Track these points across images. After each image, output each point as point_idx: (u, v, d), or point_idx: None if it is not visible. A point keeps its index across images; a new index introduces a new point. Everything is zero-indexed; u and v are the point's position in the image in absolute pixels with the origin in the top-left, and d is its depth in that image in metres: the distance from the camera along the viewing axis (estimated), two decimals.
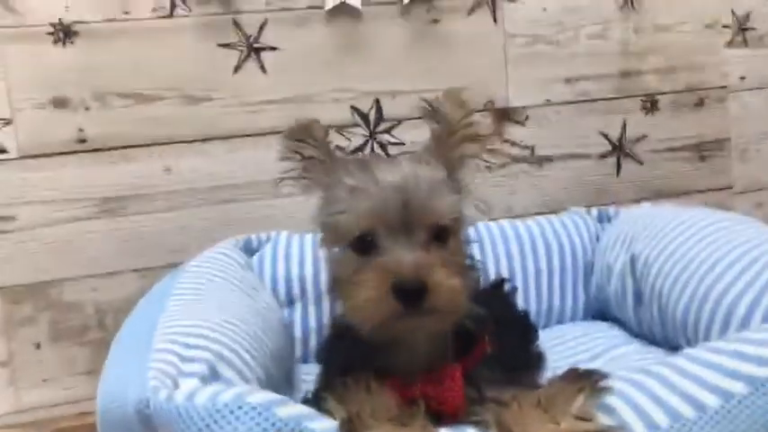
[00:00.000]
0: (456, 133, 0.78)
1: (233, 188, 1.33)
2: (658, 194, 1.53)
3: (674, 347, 1.02)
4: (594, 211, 1.37)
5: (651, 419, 0.68)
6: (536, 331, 1.10)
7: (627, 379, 0.73)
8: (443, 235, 0.73)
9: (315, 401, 0.70)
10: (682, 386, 0.71)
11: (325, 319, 1.20)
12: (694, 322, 0.95)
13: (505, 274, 1.24)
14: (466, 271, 0.77)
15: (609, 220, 1.35)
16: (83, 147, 1.26)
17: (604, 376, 0.72)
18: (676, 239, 1.05)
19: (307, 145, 0.77)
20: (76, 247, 1.28)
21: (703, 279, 0.95)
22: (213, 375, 0.72)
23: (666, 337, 1.05)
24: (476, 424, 0.69)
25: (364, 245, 0.72)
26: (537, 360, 0.99)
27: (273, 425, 0.60)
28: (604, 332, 1.18)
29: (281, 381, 0.91)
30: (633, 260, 1.12)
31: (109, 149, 1.27)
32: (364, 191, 0.72)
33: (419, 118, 0.82)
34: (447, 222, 0.72)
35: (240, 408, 0.60)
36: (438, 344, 0.76)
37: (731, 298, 0.90)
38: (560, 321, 1.28)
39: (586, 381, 0.70)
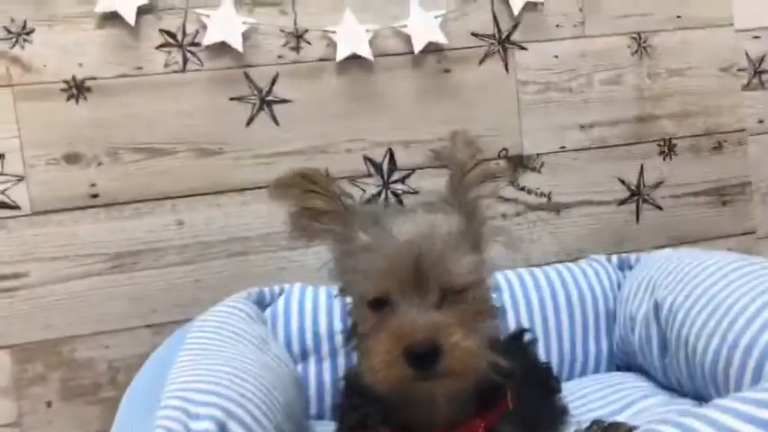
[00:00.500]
0: (468, 174, 0.77)
1: (246, 241, 1.31)
2: (680, 240, 1.49)
3: (702, 398, 0.98)
4: (615, 258, 1.34)
5: None
6: (558, 383, 1.06)
7: (653, 430, 0.69)
8: (461, 292, 0.70)
9: None
10: None
11: (341, 374, 1.17)
12: (724, 370, 0.91)
13: (525, 324, 1.21)
14: (486, 326, 0.73)
15: (630, 267, 1.31)
16: (95, 202, 1.26)
17: (631, 429, 0.68)
18: (701, 284, 1.01)
19: (313, 194, 0.76)
20: (88, 303, 1.26)
21: (732, 326, 0.91)
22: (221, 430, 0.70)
23: (695, 387, 1.00)
24: None
25: (379, 303, 0.70)
26: (560, 414, 0.95)
27: None
28: (630, 383, 1.13)
29: None
30: (657, 307, 1.08)
31: (121, 204, 1.27)
32: (378, 249, 0.70)
33: (433, 167, 0.81)
34: (464, 284, 0.70)
35: None
36: (460, 399, 0.73)
37: (763, 345, 0.86)
38: (583, 373, 1.24)
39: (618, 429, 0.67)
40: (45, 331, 1.25)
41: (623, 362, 1.23)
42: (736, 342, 0.90)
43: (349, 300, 0.78)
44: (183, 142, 1.29)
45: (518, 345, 1.04)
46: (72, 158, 1.25)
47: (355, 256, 0.72)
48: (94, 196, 1.26)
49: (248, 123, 1.31)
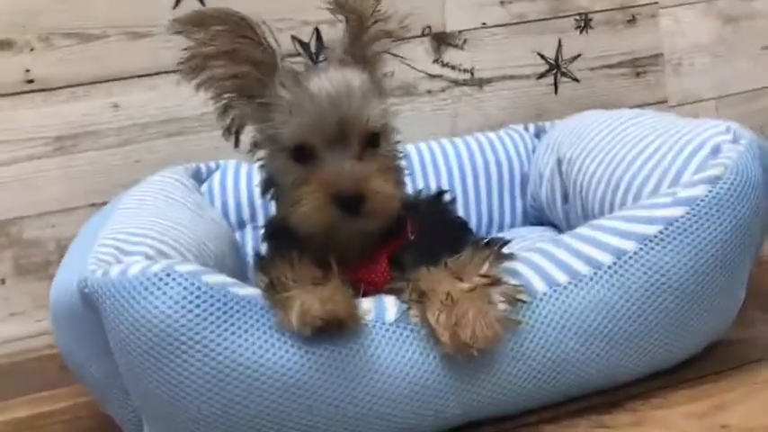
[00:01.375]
0: (368, 29, 0.82)
1: (181, 121, 1.37)
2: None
3: None
4: (532, 126, 1.43)
5: (551, 278, 0.76)
6: (471, 232, 1.16)
7: (531, 248, 0.80)
8: (375, 141, 0.78)
9: None
10: (579, 248, 0.78)
11: None
12: (609, 209, 1.02)
13: (447, 189, 1.31)
14: (398, 172, 0.83)
15: (545, 132, 1.41)
16: (31, 87, 1.30)
17: (506, 242, 0.78)
18: (595, 138, 1.11)
19: (246, 39, 0.79)
20: (33, 185, 1.32)
21: (615, 170, 1.01)
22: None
23: None
24: (392, 292, 0.76)
25: (303, 155, 0.77)
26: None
27: (200, 289, 0.66)
28: (537, 233, 1.25)
29: None
30: (559, 162, 1.19)
31: (57, 89, 1.31)
32: (300, 105, 0.76)
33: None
34: (378, 128, 0.78)
35: (169, 275, 0.66)
36: (368, 236, 0.82)
37: (640, 179, 0.96)
38: (500, 230, 1.35)
39: (491, 248, 0.77)
40: None
41: (536, 218, 1.35)
42: (617, 184, 1.00)
43: (262, 153, 0.85)
44: (113, 26, 1.32)
45: (437, 203, 1.14)
46: (4, 45, 1.28)
47: (275, 110, 0.79)
48: (30, 81, 1.30)
49: (176, 5, 1.34)
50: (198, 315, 0.65)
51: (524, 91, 1.56)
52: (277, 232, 0.87)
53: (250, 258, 1.24)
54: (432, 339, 0.70)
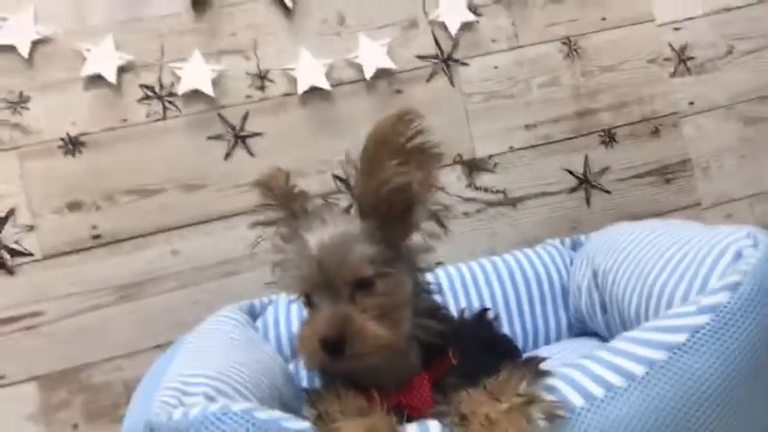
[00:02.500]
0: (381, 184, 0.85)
1: (235, 262, 1.47)
2: (629, 219, 1.63)
3: None
4: (568, 240, 1.49)
5: (588, 392, 0.78)
6: (517, 349, 1.20)
7: (567, 363, 0.84)
8: (367, 285, 0.83)
9: None
10: (613, 361, 0.81)
11: None
12: (645, 317, 1.05)
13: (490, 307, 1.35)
14: (401, 309, 0.86)
15: (581, 245, 1.46)
16: (97, 242, 1.42)
17: (543, 360, 0.82)
18: (626, 248, 1.16)
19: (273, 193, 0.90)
20: (100, 332, 1.42)
21: (647, 278, 1.05)
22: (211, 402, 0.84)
23: None
24: (437, 416, 0.80)
25: (308, 301, 0.86)
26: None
27: (255, 425, 0.71)
28: (582, 344, 1.28)
29: None
30: (595, 274, 1.23)
31: (121, 241, 1.43)
32: (296, 258, 0.85)
33: None
34: (368, 274, 0.83)
35: (225, 414, 0.72)
36: (405, 362, 0.87)
37: (670, 288, 0.99)
38: (547, 343, 1.38)
39: (528, 366, 0.81)
40: (64, 361, 1.40)
41: (580, 329, 1.38)
42: (650, 293, 1.04)
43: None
44: (170, 180, 1.45)
45: (481, 322, 1.17)
46: (74, 206, 1.42)
47: (285, 263, 0.88)
48: (96, 237, 1.42)
49: (226, 157, 1.48)
50: None
51: (557, 206, 1.62)
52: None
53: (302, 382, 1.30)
54: None
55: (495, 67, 1.60)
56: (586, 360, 0.84)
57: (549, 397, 0.77)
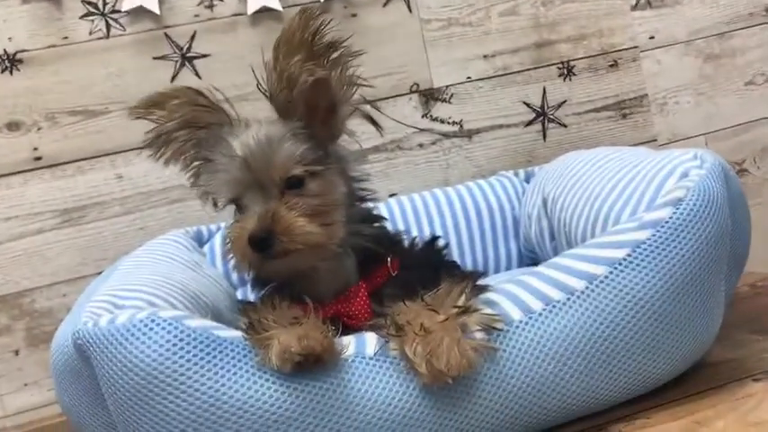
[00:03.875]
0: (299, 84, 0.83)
1: (183, 188, 1.42)
2: None
3: None
4: (522, 172, 1.48)
5: (526, 305, 0.78)
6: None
7: (509, 280, 0.83)
8: (297, 184, 0.82)
9: None
10: (553, 276, 0.81)
11: None
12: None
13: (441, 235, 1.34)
14: (332, 211, 0.84)
15: (534, 176, 1.45)
16: (39, 164, 1.37)
17: (482, 275, 0.81)
18: (576, 175, 1.15)
19: (201, 108, 0.87)
20: (43, 257, 1.38)
21: (594, 204, 1.04)
22: None
23: None
24: (374, 328, 0.79)
25: (238, 206, 0.85)
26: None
27: (183, 332, 0.69)
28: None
29: None
30: (544, 202, 1.22)
31: (63, 164, 1.38)
32: (221, 162, 0.83)
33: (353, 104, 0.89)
34: (296, 172, 0.82)
35: (153, 320, 0.70)
36: (340, 269, 0.85)
37: (616, 210, 0.98)
38: (496, 272, 1.38)
39: (468, 281, 0.80)
40: (5, 286, 1.36)
41: (530, 259, 1.37)
42: (597, 217, 1.03)
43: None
44: (114, 102, 1.40)
45: (430, 249, 1.15)
46: (13, 126, 1.36)
47: (208, 170, 0.86)
48: (38, 159, 1.37)
49: (173, 79, 1.42)
50: (182, 357, 0.68)
51: (513, 139, 1.61)
52: (262, 279, 0.90)
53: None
54: (410, 372, 0.72)
55: None
56: (526, 276, 0.83)
57: (487, 310, 0.77)
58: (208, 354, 0.69)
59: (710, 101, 1.71)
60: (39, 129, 1.37)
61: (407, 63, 1.54)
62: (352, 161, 0.89)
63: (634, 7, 1.66)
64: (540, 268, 0.84)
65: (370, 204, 0.92)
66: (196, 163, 0.89)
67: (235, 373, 0.70)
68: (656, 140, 1.68)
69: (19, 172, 1.37)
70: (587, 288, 0.78)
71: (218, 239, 1.33)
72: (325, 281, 0.84)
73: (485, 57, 1.58)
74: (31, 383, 1.38)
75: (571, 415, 0.79)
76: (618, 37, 1.65)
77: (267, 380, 0.70)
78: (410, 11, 1.54)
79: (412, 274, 0.88)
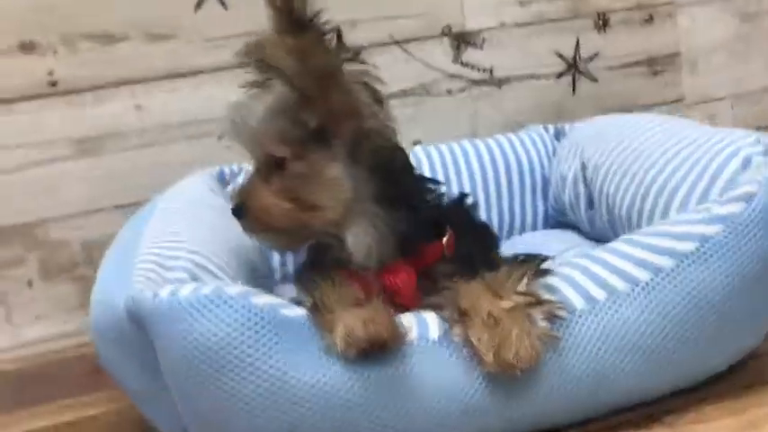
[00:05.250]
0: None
1: (203, 123, 1.37)
2: (613, 110, 1.59)
3: None
4: (551, 128, 1.44)
5: (589, 294, 0.77)
6: (497, 238, 1.17)
7: (568, 263, 0.81)
8: (280, 164, 0.79)
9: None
10: (617, 264, 0.79)
11: None
12: (638, 217, 1.03)
13: (468, 191, 1.31)
14: (316, 194, 0.80)
15: (565, 135, 1.42)
16: (54, 90, 1.30)
17: (545, 259, 0.80)
18: (621, 143, 1.12)
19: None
20: (57, 188, 1.33)
21: (644, 177, 1.03)
22: (193, 278, 0.79)
23: (615, 236, 1.12)
24: (431, 307, 0.78)
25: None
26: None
27: (251, 311, 0.67)
28: (560, 237, 1.26)
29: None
30: (584, 167, 1.19)
31: (80, 91, 1.31)
32: (231, 126, 0.83)
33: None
34: (279, 153, 0.79)
35: (220, 297, 0.67)
36: (380, 245, 0.81)
37: (669, 189, 0.97)
38: (522, 232, 1.36)
39: (530, 264, 0.78)
40: (18, 216, 1.32)
41: (557, 220, 1.36)
42: (646, 193, 1.01)
43: None
44: (134, 27, 1.32)
45: (459, 207, 1.13)
46: (27, 47, 1.28)
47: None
48: (53, 84, 1.30)
49: (196, 8, 1.35)
50: (249, 337, 0.66)
51: (543, 91, 1.57)
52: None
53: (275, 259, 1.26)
54: (474, 358, 0.71)
55: None
56: (587, 260, 0.82)
57: (550, 296, 0.75)
58: (275, 334, 0.67)
59: (742, 62, 1.67)
60: (55, 52, 1.30)
61: (440, 4, 1.47)
62: (379, 139, 0.81)
63: None
64: (602, 253, 0.82)
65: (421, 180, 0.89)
66: None
67: (300, 355, 0.68)
68: (683, 100, 1.65)
69: (33, 97, 1.30)
70: (652, 281, 0.77)
71: (239, 181, 1.29)
72: (359, 254, 0.80)
73: (521, 3, 1.52)
74: (43, 316, 1.35)
75: (627, 403, 0.79)
76: None
77: (333, 363, 0.68)
78: None
79: (461, 244, 0.86)
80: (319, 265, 0.82)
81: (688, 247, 0.77)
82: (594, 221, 1.19)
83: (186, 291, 0.68)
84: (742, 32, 1.66)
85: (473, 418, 0.72)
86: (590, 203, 1.19)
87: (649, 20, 1.60)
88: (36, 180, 1.31)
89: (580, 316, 0.75)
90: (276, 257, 1.26)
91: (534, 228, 1.37)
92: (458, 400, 0.71)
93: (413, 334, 0.72)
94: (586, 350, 0.75)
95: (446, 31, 1.48)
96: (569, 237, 1.26)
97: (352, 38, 1.38)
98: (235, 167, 1.32)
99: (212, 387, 0.67)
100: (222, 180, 1.29)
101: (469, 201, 1.14)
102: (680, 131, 1.05)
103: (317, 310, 0.70)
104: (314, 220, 0.79)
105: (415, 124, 1.48)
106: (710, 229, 0.77)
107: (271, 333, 0.67)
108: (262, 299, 0.69)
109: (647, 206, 1.00)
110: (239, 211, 0.82)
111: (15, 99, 1.29)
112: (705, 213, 0.80)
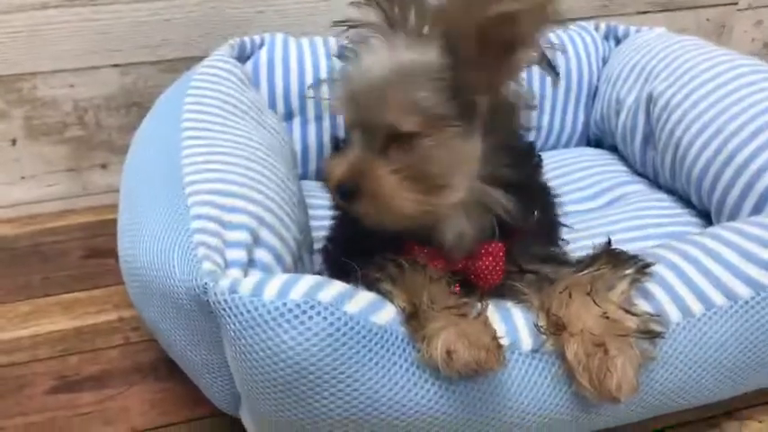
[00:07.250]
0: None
1: None
2: (663, 7, 1.46)
3: (680, 197, 1.05)
4: (603, 26, 1.31)
5: (686, 306, 0.71)
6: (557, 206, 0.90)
7: (665, 261, 0.75)
8: (404, 141, 0.65)
9: (365, 282, 0.68)
10: (715, 272, 0.73)
11: (326, 137, 1.16)
12: (711, 184, 0.96)
13: None
14: (445, 176, 0.67)
15: (616, 38, 1.29)
16: None
17: (648, 264, 0.73)
18: (704, 86, 1.01)
19: None
20: (48, 39, 1.15)
21: (727, 142, 0.94)
22: (256, 241, 0.70)
23: (673, 185, 1.06)
24: (519, 301, 0.71)
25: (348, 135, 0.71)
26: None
27: (341, 320, 0.59)
28: (606, 165, 1.18)
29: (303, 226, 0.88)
30: (650, 99, 1.09)
31: None
32: (340, 86, 0.68)
33: None
34: (407, 127, 0.65)
35: (312, 308, 0.58)
36: (473, 228, 0.72)
37: (757, 167, 0.90)
38: (556, 146, 1.28)
39: (630, 267, 0.72)
40: (3, 65, 1.14)
41: (596, 138, 1.27)
42: (729, 160, 0.93)
43: None
44: None
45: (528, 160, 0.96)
46: None
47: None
48: None
49: None
50: (336, 350, 0.58)
51: None
52: None
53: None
54: (565, 373, 0.67)
55: None
56: (685, 262, 0.75)
57: (647, 307, 0.70)
58: (364, 346, 0.60)
59: None
60: None
61: None
62: (514, 114, 0.70)
63: None
64: (698, 253, 0.75)
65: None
66: None
67: (390, 369, 0.61)
68: (736, 4, 1.52)
69: None
70: (752, 299, 0.72)
71: (263, 56, 1.14)
72: (451, 237, 0.72)
73: None
74: (28, 176, 1.23)
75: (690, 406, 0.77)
76: None
77: (424, 379, 0.62)
78: None
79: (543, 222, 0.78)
80: (369, 239, 0.70)
81: None
82: (649, 161, 1.11)
83: (272, 292, 0.59)
84: None
85: (551, 429, 0.69)
86: (646, 140, 1.11)
87: None
88: (22, 26, 1.13)
89: (674, 330, 0.71)
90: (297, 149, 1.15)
91: (569, 143, 1.28)
92: (544, 416, 0.67)
93: (505, 343, 0.66)
94: (674, 365, 0.71)
95: None
96: (619, 168, 1.17)
97: None
98: (257, 39, 1.16)
99: (297, 401, 0.60)
100: (242, 54, 1.14)
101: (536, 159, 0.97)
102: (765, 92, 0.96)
103: (412, 318, 0.63)
104: (440, 204, 0.67)
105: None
106: None
107: (360, 345, 0.59)
108: (353, 305, 0.61)
109: (727, 175, 0.93)
110: (352, 193, 0.66)
111: None
112: None
